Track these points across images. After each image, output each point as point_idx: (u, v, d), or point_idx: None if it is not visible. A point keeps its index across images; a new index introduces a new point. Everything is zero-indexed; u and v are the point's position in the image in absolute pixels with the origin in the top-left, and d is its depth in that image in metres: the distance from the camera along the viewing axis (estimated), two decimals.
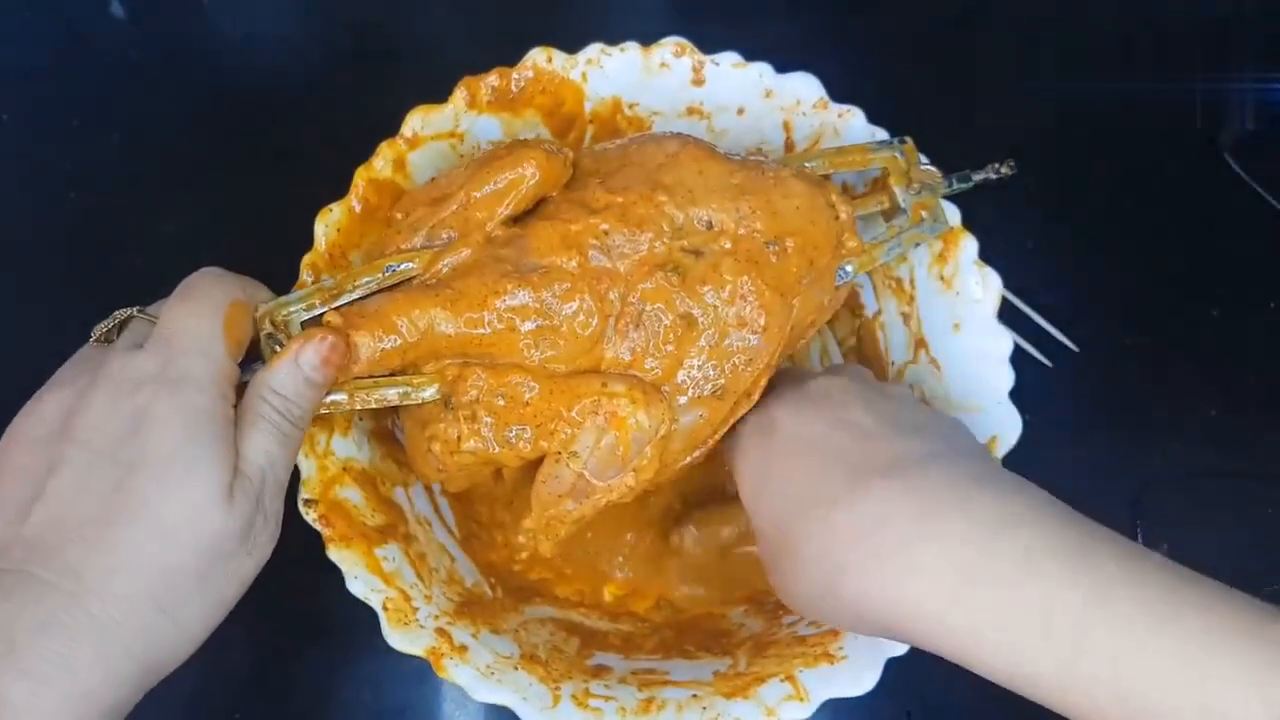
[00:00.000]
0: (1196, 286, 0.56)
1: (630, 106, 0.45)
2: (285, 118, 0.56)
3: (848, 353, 0.48)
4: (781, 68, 0.44)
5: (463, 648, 0.37)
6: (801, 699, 0.37)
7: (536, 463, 0.37)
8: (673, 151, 0.38)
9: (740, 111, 0.44)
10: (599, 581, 0.47)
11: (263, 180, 0.54)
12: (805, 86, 0.44)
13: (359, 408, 0.36)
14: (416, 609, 0.38)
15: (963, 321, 0.42)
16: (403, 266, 0.37)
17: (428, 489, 0.44)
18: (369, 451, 0.41)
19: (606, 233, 0.36)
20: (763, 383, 0.37)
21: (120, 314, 0.35)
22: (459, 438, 0.37)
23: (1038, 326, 0.53)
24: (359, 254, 0.42)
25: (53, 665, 0.27)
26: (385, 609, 0.37)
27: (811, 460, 0.34)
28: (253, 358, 0.35)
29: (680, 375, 0.37)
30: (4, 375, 0.34)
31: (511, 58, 0.43)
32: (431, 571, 0.40)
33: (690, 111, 0.45)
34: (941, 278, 0.43)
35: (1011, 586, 0.28)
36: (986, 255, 0.42)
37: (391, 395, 0.37)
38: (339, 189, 0.41)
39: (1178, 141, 0.58)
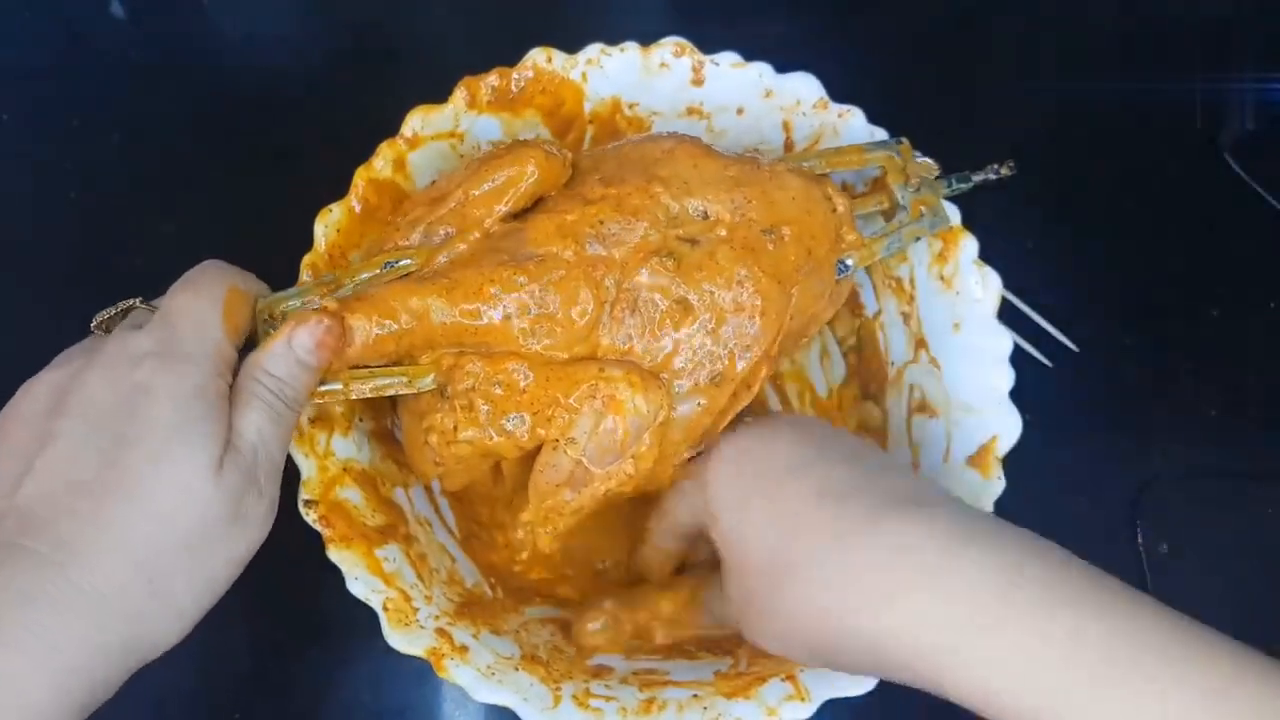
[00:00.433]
0: (1196, 286, 0.55)
1: (630, 106, 0.45)
2: (285, 118, 0.56)
3: (848, 352, 0.48)
4: (781, 68, 0.44)
5: (463, 648, 0.37)
6: (802, 699, 0.37)
7: (535, 458, 0.37)
8: (668, 148, 0.38)
9: (740, 111, 0.44)
10: (600, 582, 0.47)
11: (263, 180, 0.54)
12: (805, 86, 0.44)
13: (354, 397, 0.36)
14: (417, 610, 0.37)
15: (963, 321, 0.42)
16: (401, 263, 0.37)
17: (427, 489, 0.44)
18: (369, 452, 0.41)
19: (602, 222, 0.37)
20: (763, 373, 0.37)
21: (123, 304, 0.35)
22: (455, 427, 0.37)
23: (1038, 326, 0.53)
24: (359, 254, 0.41)
25: (35, 636, 0.27)
26: (386, 609, 0.37)
27: (803, 487, 0.33)
28: (251, 348, 0.35)
29: (677, 361, 0.37)
30: (4, 375, 0.34)
31: (512, 58, 0.43)
32: (432, 572, 0.40)
33: (690, 111, 0.45)
34: (941, 277, 0.43)
35: (1025, 630, 0.28)
36: (986, 255, 0.42)
37: (387, 384, 0.37)
38: (339, 189, 0.41)
39: (1178, 141, 0.58)
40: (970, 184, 0.42)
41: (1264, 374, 0.54)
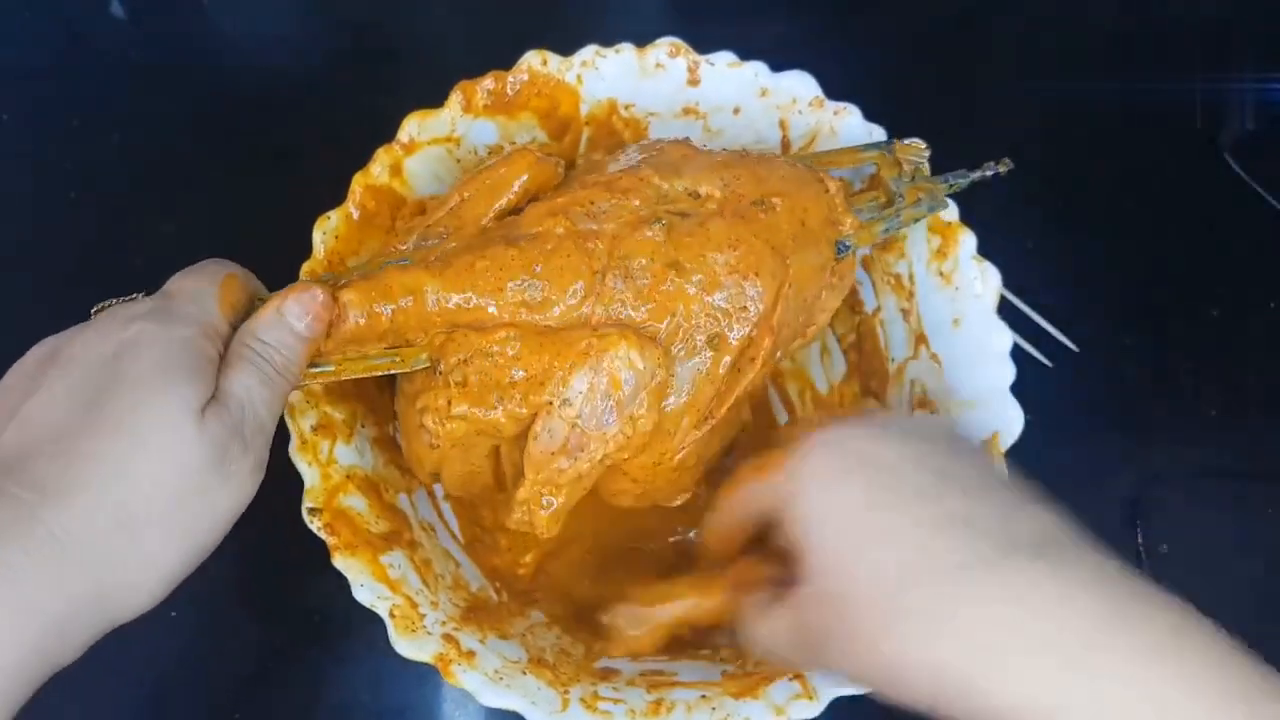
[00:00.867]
0: (1196, 286, 0.55)
1: (626, 108, 0.45)
2: (285, 118, 0.56)
3: (848, 349, 0.48)
4: (780, 68, 0.44)
5: (470, 653, 0.37)
6: (810, 697, 0.36)
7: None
8: (658, 147, 0.40)
9: (736, 111, 0.44)
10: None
11: (263, 180, 0.54)
12: (801, 85, 0.44)
13: (346, 377, 0.36)
14: (423, 615, 0.37)
15: (963, 317, 0.42)
16: (399, 262, 0.37)
17: (430, 494, 0.44)
18: (372, 458, 0.41)
19: (593, 202, 0.37)
20: (765, 344, 0.37)
21: (126, 298, 0.35)
22: (449, 403, 0.36)
23: (1037, 326, 0.53)
24: (357, 261, 0.42)
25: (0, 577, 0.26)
26: (393, 616, 0.36)
27: (929, 515, 0.31)
28: None
29: (672, 324, 0.36)
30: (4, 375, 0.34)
31: (511, 58, 0.43)
32: (437, 577, 0.40)
33: (686, 112, 0.45)
34: (941, 273, 0.43)
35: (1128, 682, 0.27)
36: (986, 255, 0.42)
37: (379, 364, 0.37)
38: (338, 189, 0.41)
39: (1178, 141, 0.58)
40: (967, 181, 0.42)
41: (1264, 374, 0.54)
